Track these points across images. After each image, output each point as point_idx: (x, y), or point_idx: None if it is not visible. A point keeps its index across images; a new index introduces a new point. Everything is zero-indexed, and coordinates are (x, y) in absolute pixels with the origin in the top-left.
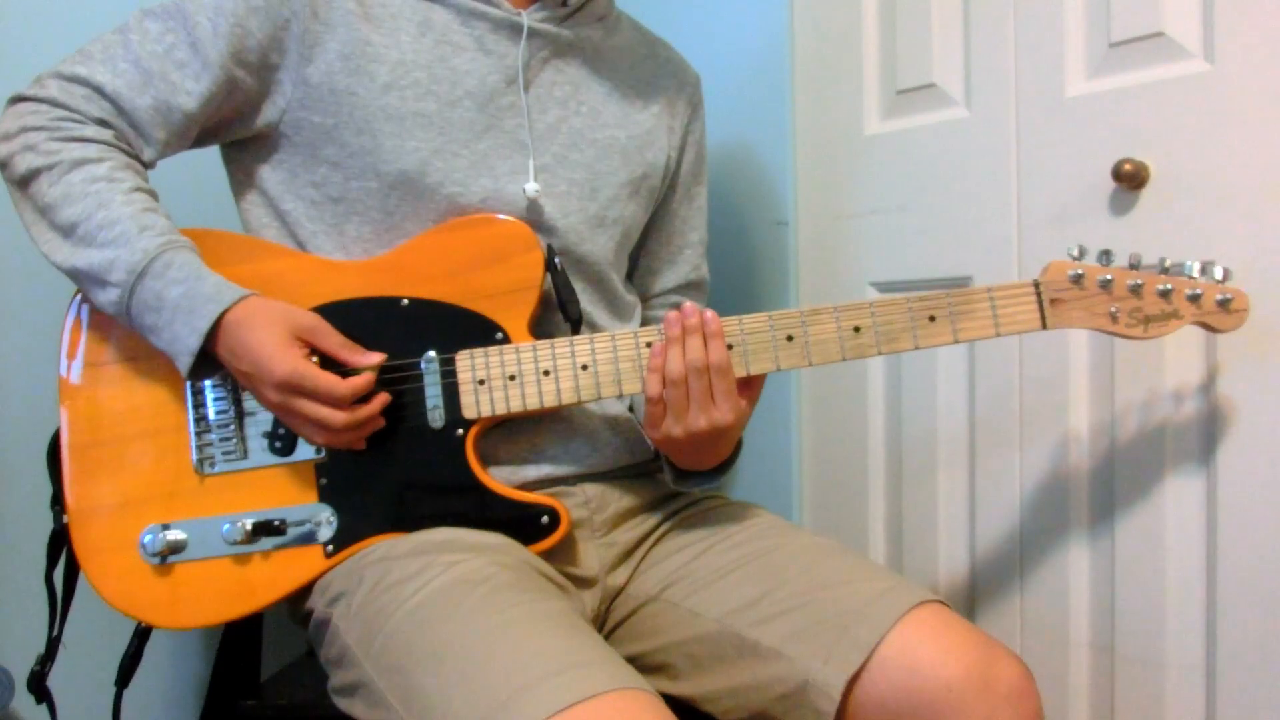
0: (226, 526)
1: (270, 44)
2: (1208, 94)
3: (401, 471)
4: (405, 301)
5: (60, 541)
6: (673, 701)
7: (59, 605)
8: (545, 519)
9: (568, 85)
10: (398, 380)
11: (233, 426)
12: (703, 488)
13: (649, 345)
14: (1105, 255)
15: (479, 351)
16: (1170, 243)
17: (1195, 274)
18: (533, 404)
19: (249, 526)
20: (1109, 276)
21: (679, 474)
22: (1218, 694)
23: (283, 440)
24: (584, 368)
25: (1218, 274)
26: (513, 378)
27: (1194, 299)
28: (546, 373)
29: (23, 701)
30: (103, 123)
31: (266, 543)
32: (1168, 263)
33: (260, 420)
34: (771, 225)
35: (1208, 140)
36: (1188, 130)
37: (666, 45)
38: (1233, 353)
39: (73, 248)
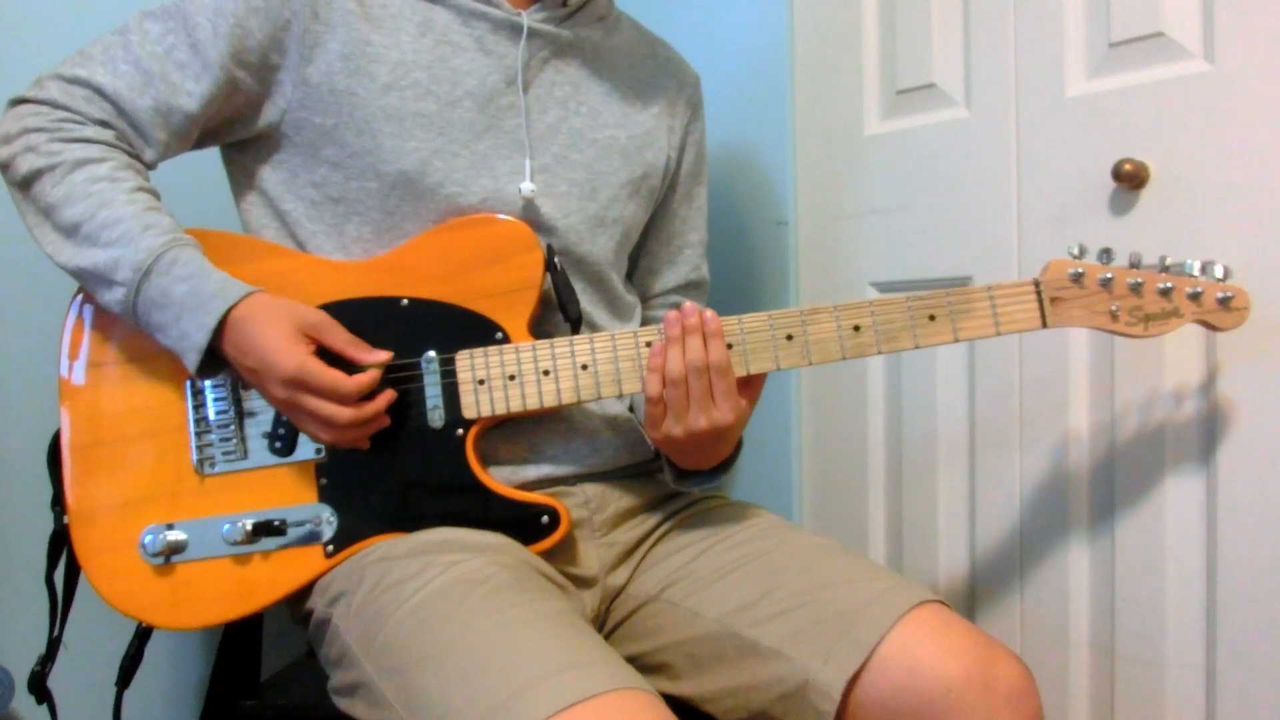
0: (227, 527)
1: (270, 45)
2: (1208, 94)
3: (401, 471)
4: (405, 301)
5: (61, 542)
6: (673, 701)
7: (59, 606)
8: (545, 519)
9: (568, 85)
10: (398, 380)
11: (233, 427)
12: (703, 487)
13: (649, 345)
14: (1105, 254)
15: (479, 351)
16: (1170, 243)
17: (1196, 272)
18: (533, 404)
19: (249, 527)
20: (1109, 275)
21: (679, 474)
22: (1218, 694)
23: (283, 440)
24: (584, 367)
25: (1218, 272)
26: (512, 377)
27: (1194, 297)
28: (546, 373)
29: (23, 701)
30: (103, 124)
31: (267, 543)
32: (1168, 261)
33: (260, 420)
34: (771, 225)
35: (1208, 140)
36: (1188, 130)
37: (666, 45)
38: (1233, 352)
39: (76, 248)
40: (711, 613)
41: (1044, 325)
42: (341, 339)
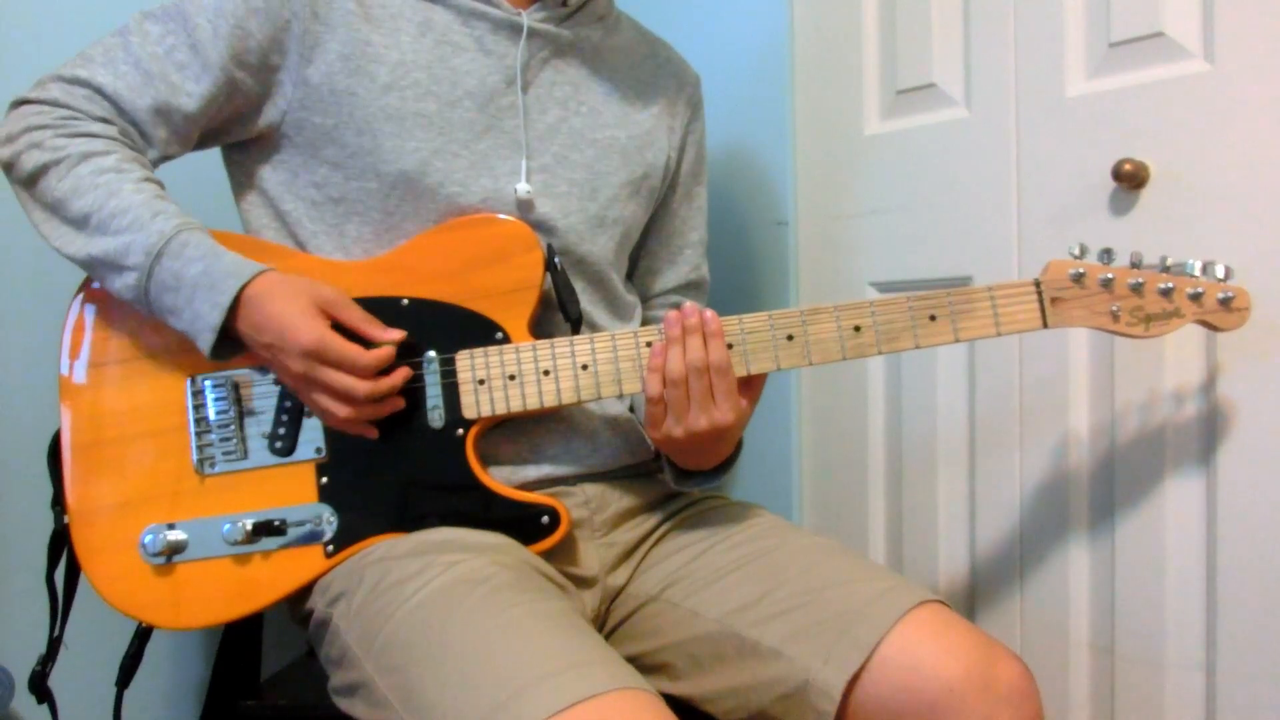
0: (227, 526)
1: (270, 45)
2: (1208, 94)
3: (402, 471)
4: (405, 301)
5: (61, 542)
6: (673, 701)
7: (60, 605)
8: (545, 519)
9: (568, 85)
10: None
11: (233, 426)
12: (703, 488)
13: (649, 345)
14: (1106, 254)
15: (479, 351)
16: (1170, 243)
17: (1197, 272)
18: (533, 404)
19: (249, 526)
20: (1110, 275)
21: (680, 474)
22: (1218, 694)
23: (283, 440)
24: (584, 367)
25: (1219, 272)
26: (513, 377)
27: (1195, 297)
28: (546, 372)
29: (23, 701)
30: (105, 121)
31: (267, 543)
32: (1169, 261)
33: (261, 420)
34: (771, 225)
35: (1208, 140)
36: (1188, 130)
37: (666, 45)
38: (1233, 353)
39: (87, 238)
40: (712, 613)
41: (1045, 325)
42: (357, 315)
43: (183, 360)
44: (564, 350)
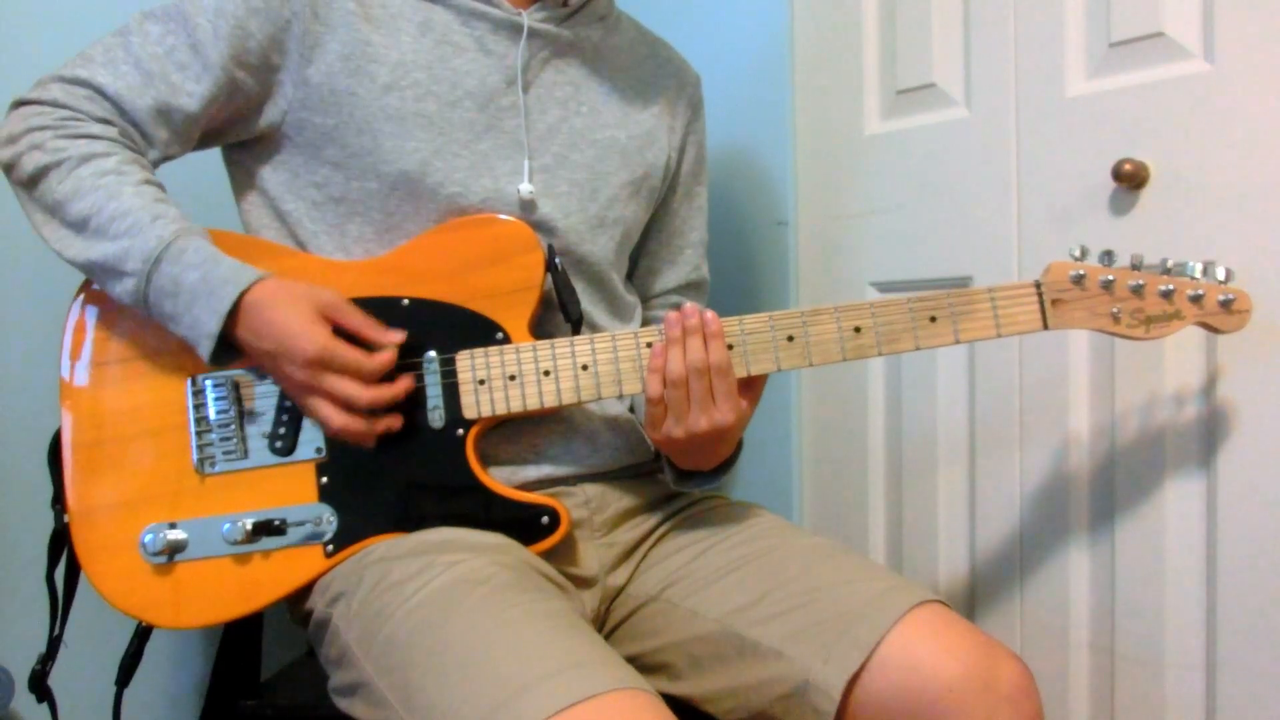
0: (227, 526)
1: (271, 45)
2: (1208, 94)
3: (402, 471)
4: (406, 302)
5: (61, 541)
6: (673, 701)
7: (60, 605)
8: (545, 519)
9: (568, 85)
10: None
11: (233, 426)
12: (703, 488)
13: (649, 345)
14: (1107, 256)
15: (479, 351)
16: (1170, 243)
17: (1197, 274)
18: (533, 404)
19: (249, 526)
20: (1111, 277)
21: (680, 474)
22: (1218, 694)
23: (283, 440)
24: (584, 368)
25: (1220, 274)
26: (513, 378)
27: (1196, 299)
28: (546, 373)
29: (23, 701)
30: (106, 122)
31: (267, 542)
32: (1170, 263)
33: (261, 420)
34: (771, 225)
35: (1208, 140)
36: (1188, 130)
37: (667, 45)
38: (1233, 354)
39: (86, 241)
40: (712, 613)
41: (1045, 327)
42: (358, 320)
43: (183, 360)
44: (564, 350)
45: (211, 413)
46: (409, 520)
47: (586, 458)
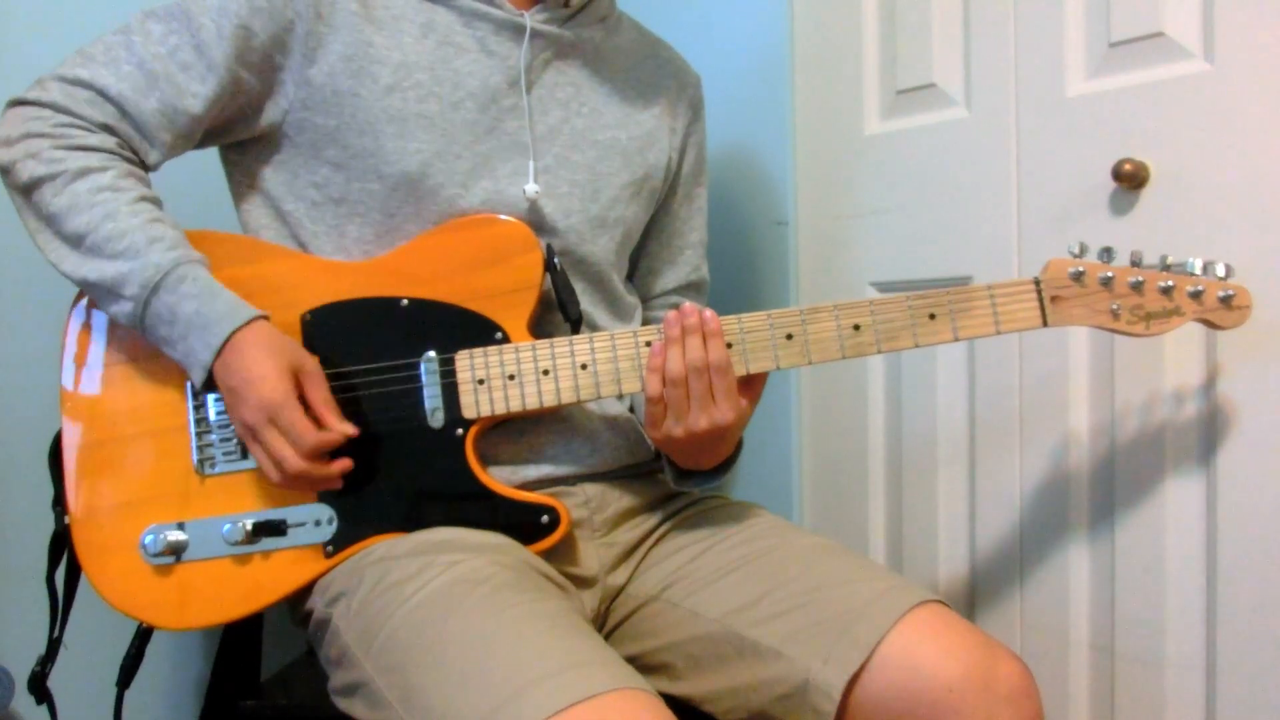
0: (227, 527)
1: (274, 45)
2: (1208, 94)
3: (401, 472)
4: (405, 302)
5: (62, 542)
6: (673, 701)
7: (60, 606)
8: (545, 519)
9: (570, 86)
10: (397, 380)
11: (233, 427)
12: (703, 488)
13: (648, 345)
14: (1106, 253)
15: (478, 351)
16: (1170, 243)
17: (1197, 271)
18: (532, 404)
19: (249, 527)
20: (1110, 274)
21: (680, 474)
22: (1218, 694)
23: None
24: (583, 367)
25: (1219, 271)
26: (512, 377)
27: (1196, 296)
28: (546, 372)
29: (23, 702)
30: (107, 128)
31: (267, 543)
32: (1169, 260)
33: None
34: (771, 225)
35: (1208, 140)
36: (1188, 130)
37: (667, 46)
38: (1233, 353)
39: (81, 258)
40: (711, 613)
41: (1044, 324)
42: (320, 395)
43: None
44: (563, 350)
45: (211, 414)
46: (409, 520)
47: (586, 457)
